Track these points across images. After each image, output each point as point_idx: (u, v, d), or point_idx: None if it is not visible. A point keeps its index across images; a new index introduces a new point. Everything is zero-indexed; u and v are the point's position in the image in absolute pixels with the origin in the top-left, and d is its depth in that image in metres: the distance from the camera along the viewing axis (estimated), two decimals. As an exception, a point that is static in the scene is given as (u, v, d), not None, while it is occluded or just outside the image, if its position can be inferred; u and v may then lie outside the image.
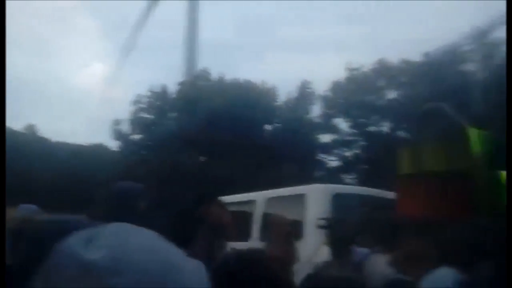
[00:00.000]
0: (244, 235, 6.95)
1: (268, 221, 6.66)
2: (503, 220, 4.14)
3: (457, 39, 8.41)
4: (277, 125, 27.09)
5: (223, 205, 2.90)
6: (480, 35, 8.08)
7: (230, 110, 23.31)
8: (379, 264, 3.20)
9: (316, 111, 27.55)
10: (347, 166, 26.84)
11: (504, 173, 4.72)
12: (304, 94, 27.51)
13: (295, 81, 27.91)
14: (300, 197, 6.50)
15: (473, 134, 4.39)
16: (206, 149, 23.71)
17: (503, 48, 20.40)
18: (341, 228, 3.80)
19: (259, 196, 7.15)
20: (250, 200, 7.29)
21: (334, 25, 47.30)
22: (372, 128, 26.33)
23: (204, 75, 29.07)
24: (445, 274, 2.50)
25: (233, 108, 23.46)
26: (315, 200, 6.20)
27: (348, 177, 26.42)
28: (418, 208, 4.94)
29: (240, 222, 7.46)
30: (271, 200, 6.86)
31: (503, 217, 4.33)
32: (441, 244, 3.25)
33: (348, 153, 27.21)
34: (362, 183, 19.39)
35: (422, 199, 4.89)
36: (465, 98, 8.89)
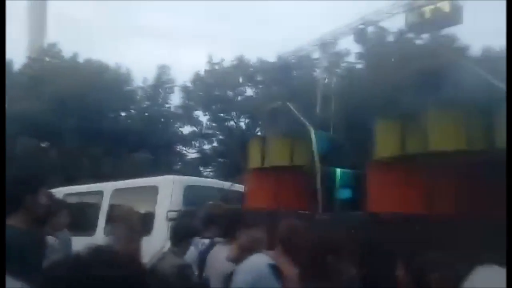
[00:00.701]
0: (89, 229, 6.49)
1: (114, 214, 6.33)
2: (340, 215, 4.62)
3: (306, 45, 9.15)
4: (132, 112, 25.83)
5: (50, 196, 2.64)
6: (326, 44, 8.95)
7: (79, 92, 21.39)
8: (220, 255, 3.27)
9: (175, 101, 27.17)
10: (205, 158, 27.13)
11: (338, 170, 5.28)
12: (164, 83, 26.85)
13: (155, 69, 27.04)
14: (151, 189, 6.31)
15: (313, 133, 4.78)
16: (49, 134, 21.48)
17: (346, 58, 22.96)
18: (185, 220, 3.80)
19: (106, 187, 6.73)
20: (96, 191, 6.82)
21: (200, 18, 47.46)
22: (230, 123, 27.05)
23: (53, 51, 26.24)
24: (258, 259, 2.74)
25: (83, 89, 21.56)
26: (166, 192, 6.07)
27: (206, 170, 26.73)
28: (263, 200, 5.22)
29: (85, 214, 6.96)
30: (119, 191, 6.51)
31: (340, 212, 4.83)
32: (279, 235, 3.46)
33: (206, 146, 27.51)
34: (219, 176, 19.80)
35: (267, 192, 5.18)
36: (311, 100, 9.77)
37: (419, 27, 6.75)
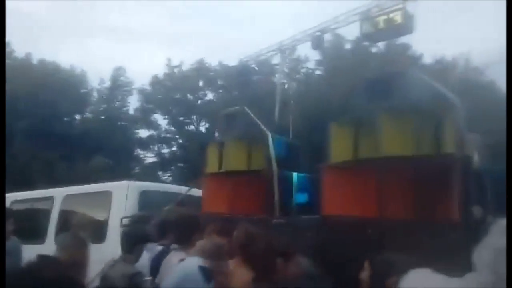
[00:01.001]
0: (39, 236, 6.21)
1: (64, 221, 6.09)
2: (296, 219, 4.63)
3: (266, 49, 9.21)
4: (87, 115, 25.02)
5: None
6: (285, 50, 9.05)
7: (32, 94, 20.49)
8: (174, 261, 3.20)
9: (133, 104, 26.60)
10: (164, 163, 26.70)
11: (295, 174, 5.30)
12: (121, 85, 26.25)
13: (112, 71, 26.37)
14: (104, 195, 6.12)
15: (270, 138, 4.79)
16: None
17: (305, 64, 23.34)
18: (137, 226, 3.70)
19: (57, 193, 6.46)
20: (47, 197, 6.54)
21: (160, 19, 46.66)
22: (190, 127, 26.79)
23: (6, 51, 25.09)
24: (189, 261, 2.76)
25: (36, 91, 20.67)
26: (120, 197, 5.91)
27: (164, 175, 26.32)
28: (220, 205, 5.17)
29: (35, 221, 6.66)
30: (71, 197, 6.28)
31: (295, 216, 4.85)
32: (237, 242, 3.43)
33: (165, 150, 27.09)
34: (178, 180, 19.52)
35: (224, 197, 5.13)
36: (271, 105, 9.84)
37: (374, 36, 7.00)
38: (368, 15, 6.84)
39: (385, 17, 6.51)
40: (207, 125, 25.78)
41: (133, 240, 3.33)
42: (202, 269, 2.77)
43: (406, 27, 6.37)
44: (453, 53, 21.70)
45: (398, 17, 6.34)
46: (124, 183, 6.28)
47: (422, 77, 3.34)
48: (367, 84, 3.65)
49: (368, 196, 3.45)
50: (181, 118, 26.52)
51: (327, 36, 18.55)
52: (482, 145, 2.92)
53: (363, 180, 3.66)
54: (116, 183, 6.40)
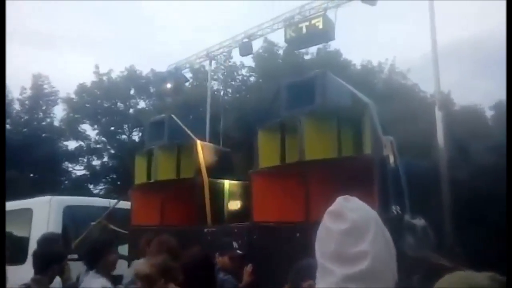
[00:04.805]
0: None
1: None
2: (227, 227, 4.59)
3: (194, 57, 9.12)
4: (8, 126, 23.31)
5: None
6: (214, 56, 9.05)
7: None
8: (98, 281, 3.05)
9: (59, 114, 25.16)
10: (95, 175, 25.50)
11: (226, 182, 5.27)
12: (45, 95, 24.75)
13: (33, 78, 24.75)
14: (24, 212, 5.74)
15: (199, 146, 4.73)
16: None
17: (240, 71, 23.43)
18: (49, 245, 3.50)
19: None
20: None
21: (84, 24, 44.66)
22: (122, 137, 25.84)
23: None
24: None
25: None
26: (42, 214, 5.56)
27: (97, 188, 25.14)
28: (149, 217, 5.02)
29: None
30: (-14, 217, 5.77)
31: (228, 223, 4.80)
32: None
33: (96, 162, 25.89)
34: (112, 193, 18.67)
35: (153, 208, 4.99)
36: (203, 112, 9.76)
37: (298, 42, 7.19)
38: (291, 22, 7.01)
39: (307, 23, 6.71)
40: (140, 134, 24.99)
41: (42, 260, 3.11)
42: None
43: (327, 33, 6.61)
44: (379, 59, 22.86)
45: (319, 23, 6.56)
46: (45, 198, 5.90)
47: (339, 80, 3.45)
48: (289, 88, 3.71)
49: (295, 200, 3.50)
50: (112, 128, 25.51)
51: (259, 43, 18.84)
52: (396, 147, 3.06)
53: (291, 184, 3.71)
54: (37, 199, 6.00)
